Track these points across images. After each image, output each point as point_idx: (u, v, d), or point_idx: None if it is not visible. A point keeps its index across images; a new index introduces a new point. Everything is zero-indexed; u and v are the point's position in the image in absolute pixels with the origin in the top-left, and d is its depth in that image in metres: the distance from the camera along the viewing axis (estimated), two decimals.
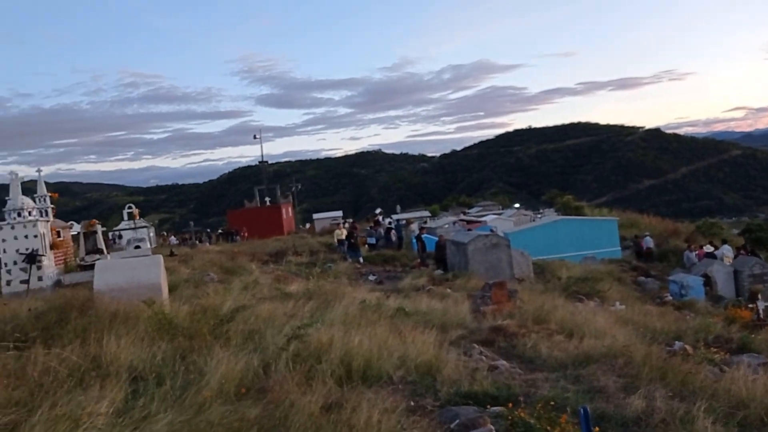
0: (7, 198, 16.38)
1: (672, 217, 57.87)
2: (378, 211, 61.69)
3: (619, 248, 31.57)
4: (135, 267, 9.98)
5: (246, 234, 42.00)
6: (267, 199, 55.28)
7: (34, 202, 17.11)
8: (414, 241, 27.98)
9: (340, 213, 61.71)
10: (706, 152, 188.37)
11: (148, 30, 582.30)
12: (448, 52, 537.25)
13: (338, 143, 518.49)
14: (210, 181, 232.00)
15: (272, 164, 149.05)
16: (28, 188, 17.61)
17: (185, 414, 4.45)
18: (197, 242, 39.82)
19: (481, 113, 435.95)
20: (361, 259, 25.16)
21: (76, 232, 24.31)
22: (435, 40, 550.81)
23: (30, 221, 15.96)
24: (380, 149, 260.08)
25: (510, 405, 5.02)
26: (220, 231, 49.85)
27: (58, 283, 15.52)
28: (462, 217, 49.67)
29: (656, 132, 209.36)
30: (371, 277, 20.40)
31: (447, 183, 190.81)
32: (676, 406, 5.04)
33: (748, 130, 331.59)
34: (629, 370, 6.23)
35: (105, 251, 20.05)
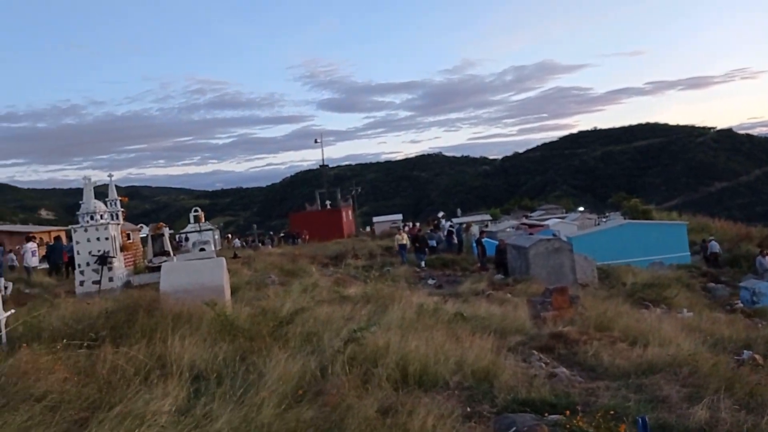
0: (80, 202, 17.07)
1: (744, 221, 55.39)
2: (440, 214, 61.57)
3: (689, 253, 30.47)
4: (199, 269, 10.27)
5: (307, 237, 42.62)
6: (327, 202, 55.96)
7: (106, 205, 17.76)
8: (474, 244, 27.75)
9: (399, 216, 61.91)
10: None
11: (214, 37, 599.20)
12: (511, 53, 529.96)
13: (398, 146, 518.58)
14: (273, 184, 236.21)
15: (333, 168, 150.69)
16: (101, 192, 18.31)
17: (244, 413, 4.55)
18: (260, 245, 40.68)
19: (545, 114, 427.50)
20: (423, 263, 25.08)
21: (144, 235, 25.22)
22: (497, 41, 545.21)
23: (102, 224, 16.60)
24: (441, 152, 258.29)
25: (568, 413, 4.92)
26: (282, 234, 50.77)
27: (127, 284, 16.08)
28: (523, 220, 49.04)
29: (728, 132, 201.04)
30: (430, 281, 20.38)
31: (509, 186, 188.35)
32: (743, 418, 4.84)
33: None
34: (694, 379, 6.01)
35: (171, 253, 20.70)
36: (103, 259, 16.10)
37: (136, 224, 34.07)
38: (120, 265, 17.09)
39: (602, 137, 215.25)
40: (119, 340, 6.71)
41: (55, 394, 4.72)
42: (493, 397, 5.56)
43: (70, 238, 19.19)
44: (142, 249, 22.31)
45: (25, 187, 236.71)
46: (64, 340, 6.33)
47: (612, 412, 4.90)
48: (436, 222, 38.24)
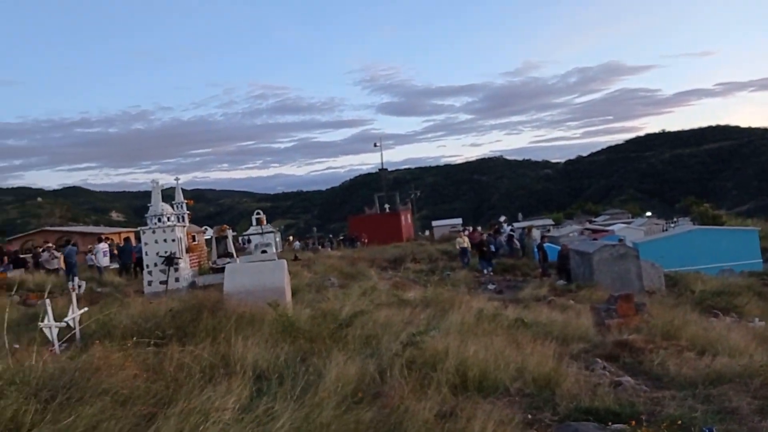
0: (149, 204, 17.68)
1: None
2: (502, 218, 60.84)
3: (761, 260, 29.18)
4: (261, 271, 10.49)
5: (366, 240, 42.89)
6: (386, 205, 56.12)
7: (173, 208, 18.33)
8: (535, 249, 27.29)
9: (459, 221, 61.54)
10: None
11: (275, 44, 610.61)
12: (575, 54, 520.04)
13: (459, 150, 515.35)
14: (332, 188, 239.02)
15: (392, 171, 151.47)
16: (168, 195, 18.93)
17: (305, 414, 4.61)
18: (320, 247, 41.18)
19: (610, 117, 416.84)
20: (491, 270, 24.64)
21: (209, 237, 25.90)
22: (560, 42, 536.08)
23: (168, 226, 17.16)
24: (502, 155, 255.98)
25: (633, 423, 4.78)
26: (341, 237, 51.27)
27: (192, 285, 16.53)
28: (587, 225, 47.97)
29: None
30: (490, 286, 20.19)
31: (572, 190, 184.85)
32: None
33: None
34: (766, 391, 5.75)
35: (234, 255, 21.18)
36: (170, 260, 16.62)
37: (201, 226, 34.92)
38: (186, 266, 17.59)
39: (671, 140, 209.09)
40: (185, 338, 6.92)
41: (125, 390, 4.88)
42: (554, 405, 5.45)
43: (139, 239, 19.88)
44: (206, 250, 22.92)
45: (97, 189, 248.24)
46: (134, 338, 6.56)
47: (678, 423, 4.74)
48: (497, 226, 37.72)
